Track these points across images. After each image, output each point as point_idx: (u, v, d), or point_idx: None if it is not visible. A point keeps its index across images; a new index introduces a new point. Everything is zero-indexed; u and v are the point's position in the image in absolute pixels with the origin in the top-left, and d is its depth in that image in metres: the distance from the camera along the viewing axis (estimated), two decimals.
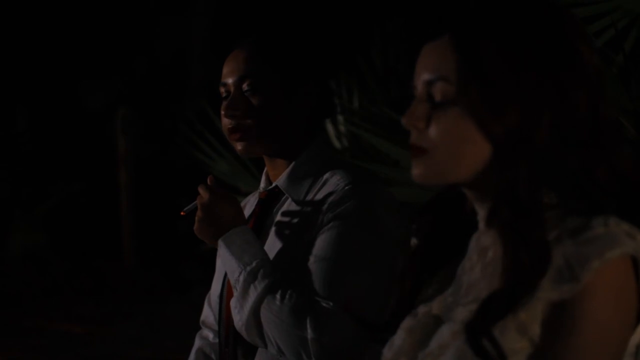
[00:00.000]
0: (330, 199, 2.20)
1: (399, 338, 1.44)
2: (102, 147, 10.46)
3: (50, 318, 8.31)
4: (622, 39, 2.99)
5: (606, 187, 1.35)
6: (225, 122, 2.27)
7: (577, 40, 1.37)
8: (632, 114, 2.82)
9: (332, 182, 2.23)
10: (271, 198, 2.31)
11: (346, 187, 2.19)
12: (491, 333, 1.30)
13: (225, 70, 2.29)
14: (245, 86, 2.25)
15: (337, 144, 4.83)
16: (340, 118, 4.80)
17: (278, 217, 2.27)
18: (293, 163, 2.27)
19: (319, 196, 2.23)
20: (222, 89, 2.29)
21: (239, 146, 2.27)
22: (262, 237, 2.28)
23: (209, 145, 4.79)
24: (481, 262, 1.41)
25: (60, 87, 10.96)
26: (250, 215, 2.34)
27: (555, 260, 1.30)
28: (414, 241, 1.51)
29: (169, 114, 10.30)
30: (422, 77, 1.39)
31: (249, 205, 2.43)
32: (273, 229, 2.27)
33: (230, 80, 2.27)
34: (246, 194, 4.38)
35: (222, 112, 2.27)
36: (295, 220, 2.24)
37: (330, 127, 4.88)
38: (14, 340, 7.56)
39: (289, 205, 2.27)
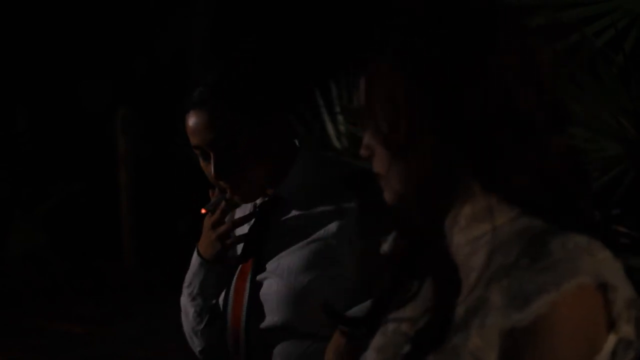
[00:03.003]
0: (336, 199, 2.23)
1: (369, 357, 1.42)
2: (102, 147, 10.45)
3: (50, 318, 8.31)
4: (622, 39, 2.99)
5: (531, 191, 1.32)
6: (218, 182, 2.25)
7: (467, 40, 1.32)
8: (632, 114, 2.82)
9: (333, 183, 2.25)
10: (269, 206, 2.32)
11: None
12: None
13: (192, 133, 2.23)
14: (222, 146, 2.21)
15: (337, 144, 4.83)
16: (340, 118, 4.80)
17: (285, 223, 2.28)
18: (290, 171, 2.27)
19: (323, 198, 2.26)
20: (197, 151, 2.25)
21: (237, 198, 2.28)
22: (266, 243, 2.28)
23: None
24: None
25: (60, 87, 10.96)
26: (254, 225, 2.34)
27: (511, 287, 1.27)
28: (390, 243, 1.48)
29: (169, 114, 10.28)
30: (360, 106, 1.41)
31: (241, 210, 2.43)
32: (281, 234, 2.28)
33: (203, 144, 2.22)
34: None
35: (211, 174, 2.23)
36: (302, 225, 2.26)
37: (330, 127, 4.88)
38: (14, 340, 7.55)
39: (291, 211, 2.28)
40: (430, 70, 1.31)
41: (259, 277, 2.27)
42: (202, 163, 2.27)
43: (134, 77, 11.17)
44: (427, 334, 1.31)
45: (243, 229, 2.35)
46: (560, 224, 1.31)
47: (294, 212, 2.28)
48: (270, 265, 2.27)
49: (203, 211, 2.31)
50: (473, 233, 1.35)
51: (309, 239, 2.24)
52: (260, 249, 2.28)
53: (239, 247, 2.36)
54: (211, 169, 2.23)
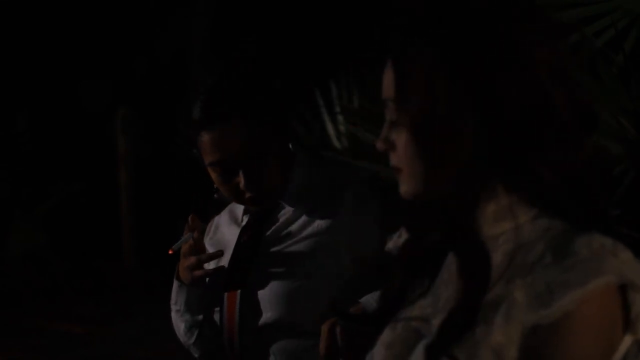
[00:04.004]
0: (337, 197, 2.25)
1: (378, 353, 1.42)
2: (102, 147, 10.45)
3: (50, 318, 8.31)
4: (622, 39, 2.99)
5: (556, 191, 1.32)
6: (245, 193, 2.24)
7: (514, 38, 1.32)
8: (632, 114, 2.82)
9: (333, 182, 2.28)
10: (265, 210, 2.33)
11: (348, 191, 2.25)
12: (452, 353, 1.28)
13: (213, 150, 2.22)
14: (250, 160, 2.21)
15: (337, 144, 4.83)
16: (340, 118, 4.81)
17: (283, 221, 2.29)
18: (290, 175, 2.29)
19: (323, 196, 2.27)
20: (217, 167, 2.23)
21: (257, 207, 2.29)
22: (263, 248, 2.29)
23: None
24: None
25: (60, 87, 10.96)
26: (246, 228, 2.34)
27: (536, 283, 1.27)
28: (404, 235, 1.48)
29: (169, 114, 10.30)
30: (383, 98, 1.40)
31: (229, 214, 2.44)
32: (276, 233, 2.29)
33: (232, 160, 2.22)
34: None
35: (240, 186, 2.23)
36: (298, 224, 2.27)
37: (330, 127, 4.89)
38: (14, 340, 7.56)
39: (289, 209, 2.29)
40: (469, 61, 1.31)
41: (253, 277, 2.28)
42: (217, 180, 2.26)
43: (134, 77, 11.17)
44: (452, 326, 1.31)
45: (232, 238, 2.36)
46: (580, 225, 1.31)
47: (289, 212, 2.29)
48: (264, 264, 2.27)
49: (170, 252, 2.33)
50: (493, 231, 1.36)
51: (304, 237, 2.25)
52: (246, 275, 2.29)
53: (228, 255, 2.37)
54: (235, 182, 2.23)
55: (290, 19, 10.61)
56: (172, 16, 11.26)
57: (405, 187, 1.37)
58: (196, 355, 2.41)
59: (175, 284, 2.36)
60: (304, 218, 2.27)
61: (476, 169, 1.33)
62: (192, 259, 2.29)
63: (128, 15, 11.11)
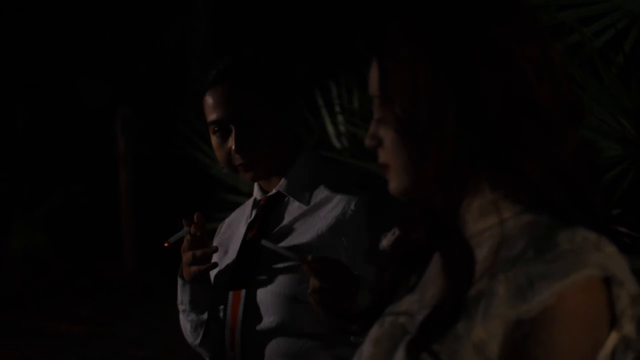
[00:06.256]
0: (338, 196, 2.27)
1: (366, 350, 1.41)
2: (102, 147, 10.45)
3: (50, 318, 8.32)
4: (622, 39, 2.99)
5: (541, 185, 1.31)
6: (235, 159, 2.28)
7: (495, 35, 1.32)
8: (632, 114, 2.82)
9: (335, 181, 2.29)
10: (271, 204, 2.34)
11: (352, 183, 2.27)
12: (432, 349, 1.27)
13: (213, 108, 2.28)
14: (244, 121, 2.26)
15: (337, 144, 4.83)
16: (340, 118, 4.81)
17: (288, 219, 2.30)
18: (292, 168, 2.31)
19: (326, 194, 2.29)
20: (215, 127, 2.29)
21: (249, 177, 2.31)
22: (270, 240, 2.30)
23: (208, 145, 4.80)
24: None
25: (60, 87, 10.97)
26: (254, 222, 2.35)
27: (517, 278, 1.26)
28: (396, 232, 1.47)
29: (169, 114, 10.30)
30: (370, 95, 1.40)
31: (239, 213, 2.46)
32: (278, 233, 2.29)
33: (227, 119, 2.27)
34: (245, 195, 4.38)
35: (232, 149, 2.27)
36: (307, 219, 2.28)
37: (330, 127, 4.89)
38: (14, 340, 7.56)
39: (294, 207, 2.30)
40: (451, 58, 1.31)
41: (256, 278, 2.28)
42: (215, 142, 2.31)
43: (134, 77, 11.18)
44: (435, 322, 1.31)
45: (240, 234, 2.37)
46: (568, 219, 1.30)
47: (294, 210, 2.30)
48: (269, 263, 2.28)
49: (166, 245, 2.35)
50: (478, 226, 1.35)
51: (309, 237, 2.25)
52: (251, 274, 2.30)
53: (232, 250, 2.37)
54: (229, 145, 2.28)
55: (290, 19, 10.61)
56: (172, 16, 11.27)
57: (394, 184, 1.37)
58: (207, 358, 2.43)
59: (179, 282, 2.39)
60: (308, 217, 2.28)
61: (461, 165, 1.32)
62: (189, 255, 2.32)
63: (128, 15, 11.11)
